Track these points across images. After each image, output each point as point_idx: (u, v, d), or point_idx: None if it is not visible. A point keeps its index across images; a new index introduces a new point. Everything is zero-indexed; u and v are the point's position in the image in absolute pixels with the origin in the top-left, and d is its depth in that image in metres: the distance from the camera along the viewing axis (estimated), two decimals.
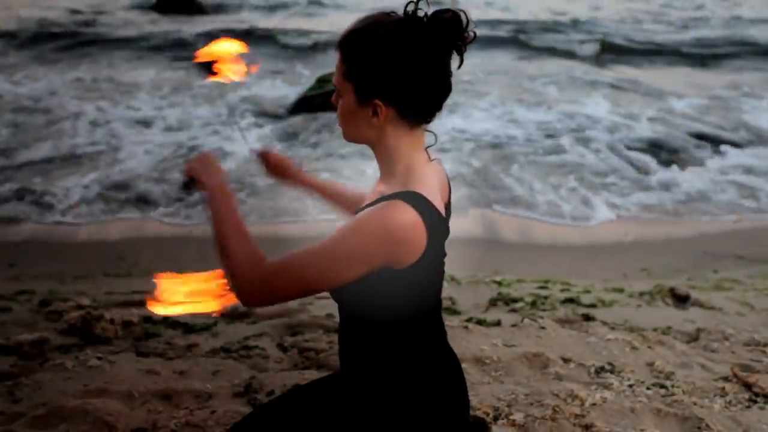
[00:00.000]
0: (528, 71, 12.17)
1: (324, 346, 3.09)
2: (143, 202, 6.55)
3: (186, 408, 2.42)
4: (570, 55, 13.59)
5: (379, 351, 1.43)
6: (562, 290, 4.47)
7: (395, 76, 1.32)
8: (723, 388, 2.70)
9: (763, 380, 2.73)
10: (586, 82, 11.52)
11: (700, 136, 8.84)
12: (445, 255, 1.45)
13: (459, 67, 1.37)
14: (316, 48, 13.49)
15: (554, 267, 5.39)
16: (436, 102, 1.37)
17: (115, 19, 16.14)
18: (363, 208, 1.36)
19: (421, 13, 1.34)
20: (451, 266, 1.50)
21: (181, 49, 12.72)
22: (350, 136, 1.44)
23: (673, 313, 4.05)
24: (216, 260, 1.35)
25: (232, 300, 1.39)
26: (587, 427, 2.28)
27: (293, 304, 3.85)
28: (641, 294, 4.42)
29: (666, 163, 7.99)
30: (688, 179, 7.54)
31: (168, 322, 3.62)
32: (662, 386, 2.66)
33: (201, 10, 16.87)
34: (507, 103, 10.09)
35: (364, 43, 1.34)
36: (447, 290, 4.27)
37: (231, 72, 1.67)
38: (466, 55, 1.37)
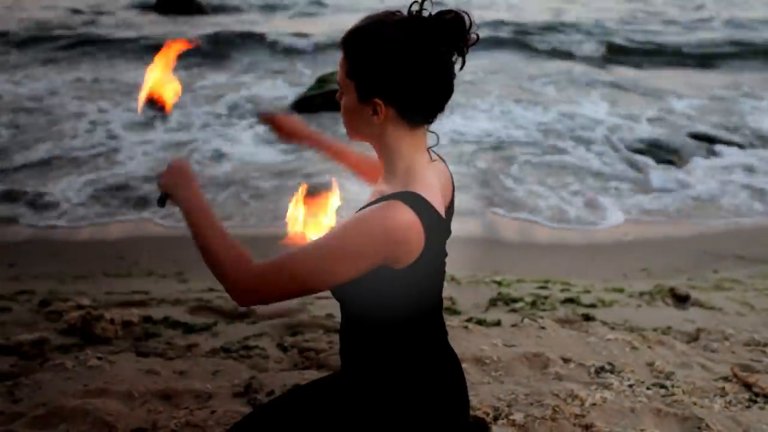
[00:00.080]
0: (529, 72, 12.17)
1: (324, 346, 3.09)
2: (142, 203, 6.54)
3: (186, 408, 2.42)
4: (570, 55, 13.59)
5: (380, 350, 1.43)
6: (562, 290, 4.48)
7: (395, 75, 1.32)
8: (723, 388, 2.70)
9: (763, 380, 2.73)
10: (587, 83, 11.51)
11: (701, 137, 8.85)
12: (446, 255, 1.45)
13: (461, 68, 1.37)
14: (316, 48, 13.49)
15: (554, 267, 5.39)
16: (437, 103, 1.37)
17: (116, 19, 16.14)
18: (363, 208, 1.36)
19: (426, 14, 1.34)
20: (451, 266, 1.50)
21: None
22: (352, 134, 1.45)
23: (673, 313, 4.05)
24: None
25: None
26: (587, 427, 2.28)
27: (293, 304, 3.85)
28: (641, 294, 4.42)
29: (666, 164, 7.99)
30: (688, 180, 7.55)
31: (168, 322, 3.63)
32: (662, 386, 2.66)
33: (201, 10, 16.87)
34: (508, 103, 10.09)
35: (366, 42, 1.34)
36: (447, 290, 4.27)
37: (168, 99, 1.65)
38: (467, 56, 1.37)
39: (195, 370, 2.78)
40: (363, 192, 1.58)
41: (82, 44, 13.41)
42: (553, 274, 5.08)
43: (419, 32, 1.32)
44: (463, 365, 1.88)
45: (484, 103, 10.02)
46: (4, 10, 16.29)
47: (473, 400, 2.33)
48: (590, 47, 14.17)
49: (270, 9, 17.80)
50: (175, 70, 1.59)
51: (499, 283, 4.62)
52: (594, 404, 2.42)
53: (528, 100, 10.36)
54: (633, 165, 7.95)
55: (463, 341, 2.99)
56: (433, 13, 1.34)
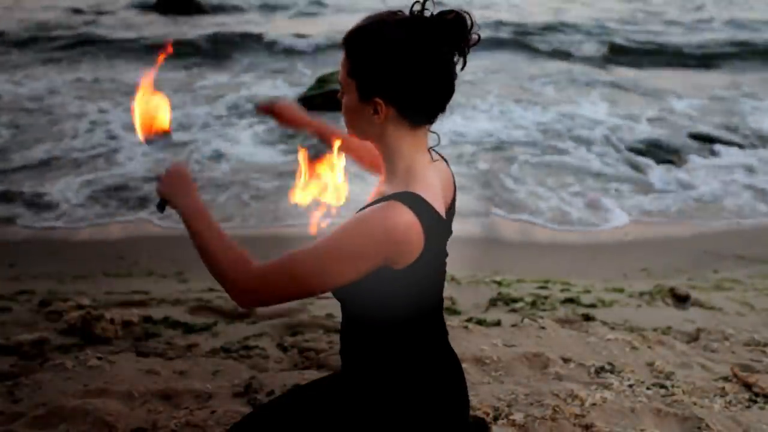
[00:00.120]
0: (529, 72, 12.17)
1: (324, 346, 3.09)
2: (142, 203, 6.53)
3: (186, 408, 2.42)
4: (571, 55, 13.58)
5: (380, 350, 1.43)
6: (562, 290, 4.48)
7: (396, 74, 1.32)
8: (723, 388, 2.70)
9: (763, 380, 2.73)
10: (587, 83, 11.51)
11: (701, 137, 8.84)
12: (446, 255, 1.45)
13: (462, 68, 1.37)
14: (316, 48, 13.49)
15: (554, 267, 5.39)
16: (437, 103, 1.37)
17: (116, 19, 16.14)
18: (363, 208, 1.37)
19: (428, 14, 1.35)
20: (451, 266, 1.51)
21: (181, 50, 12.73)
22: (354, 134, 1.45)
23: (673, 313, 4.05)
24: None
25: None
26: (587, 427, 2.28)
27: (293, 303, 3.85)
28: (641, 294, 4.42)
29: (666, 164, 7.99)
30: (688, 180, 7.55)
31: (168, 322, 3.63)
32: (662, 386, 2.66)
33: (201, 11, 16.86)
34: (507, 103, 10.09)
35: (367, 41, 1.34)
36: (447, 290, 4.24)
37: (162, 121, 1.68)
38: (468, 56, 1.37)
39: (195, 370, 2.78)
40: (363, 193, 1.58)
41: (82, 44, 13.41)
42: (553, 274, 5.08)
43: (421, 32, 1.32)
44: (463, 365, 1.89)
45: (484, 103, 10.02)
46: (4, 10, 16.29)
47: (473, 400, 2.33)
48: (590, 47, 14.17)
49: (270, 9, 17.78)
50: (161, 71, 1.60)
51: (499, 283, 4.62)
52: (594, 404, 2.42)
53: (528, 100, 10.36)
54: (633, 165, 7.95)
55: (463, 341, 2.98)
56: (434, 13, 1.34)
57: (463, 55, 1.36)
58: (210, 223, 1.38)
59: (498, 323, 3.45)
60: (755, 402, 2.60)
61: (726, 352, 3.24)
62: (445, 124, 8.31)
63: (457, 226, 1.52)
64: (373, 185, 1.55)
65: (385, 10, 1.38)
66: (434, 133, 1.45)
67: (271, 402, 1.64)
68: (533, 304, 4.08)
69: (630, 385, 2.64)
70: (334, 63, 11.57)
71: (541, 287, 4.54)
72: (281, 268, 1.30)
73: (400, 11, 1.36)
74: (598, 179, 7.48)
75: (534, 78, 11.74)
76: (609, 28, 15.78)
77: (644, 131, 9.03)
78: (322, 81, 9.67)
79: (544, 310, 3.95)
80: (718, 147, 8.54)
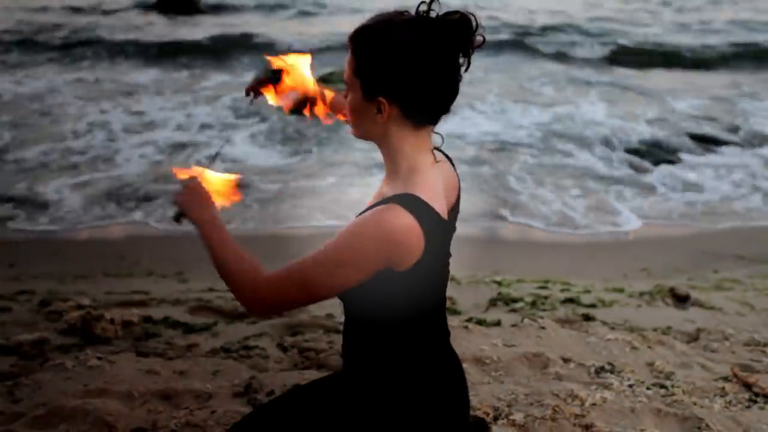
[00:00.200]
0: (529, 72, 12.17)
1: (324, 346, 3.09)
2: (141, 204, 6.52)
3: (186, 408, 2.42)
4: (571, 56, 13.58)
5: (382, 350, 1.44)
6: (562, 290, 4.48)
7: (400, 74, 1.32)
8: (723, 388, 2.70)
9: (763, 380, 2.73)
10: (587, 84, 11.51)
11: (701, 138, 8.85)
12: (449, 256, 1.45)
13: (466, 70, 1.38)
14: (316, 48, 13.48)
15: (554, 267, 5.39)
16: (441, 103, 1.38)
17: (116, 18, 16.14)
18: (364, 211, 1.37)
19: (434, 15, 1.35)
20: (451, 266, 1.51)
21: (181, 50, 12.73)
22: (357, 133, 1.45)
23: (673, 313, 4.05)
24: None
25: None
26: (587, 427, 2.28)
27: None
28: (641, 294, 4.42)
29: (667, 164, 7.99)
30: (689, 180, 7.55)
31: (168, 322, 3.63)
32: (662, 386, 2.66)
33: (201, 11, 16.87)
34: (507, 104, 10.09)
35: (373, 41, 1.34)
36: (447, 290, 4.26)
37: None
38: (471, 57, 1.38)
39: (195, 370, 2.78)
40: (363, 193, 1.58)
41: (82, 44, 13.41)
42: (553, 274, 5.08)
43: (426, 32, 1.32)
44: (463, 365, 1.89)
45: (485, 104, 10.02)
46: (3, 10, 16.29)
47: (473, 400, 2.33)
48: (590, 48, 14.18)
49: (270, 9, 17.78)
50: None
51: (499, 283, 4.62)
52: (594, 404, 2.42)
53: (528, 101, 10.36)
54: (633, 166, 7.95)
55: (463, 341, 2.98)
56: (439, 14, 1.34)
57: (468, 56, 1.37)
58: (224, 235, 1.42)
59: (498, 323, 3.45)
60: (755, 402, 2.60)
61: (726, 352, 3.24)
62: (446, 125, 8.27)
63: (458, 227, 1.52)
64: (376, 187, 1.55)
65: (392, 10, 1.38)
66: (438, 134, 1.45)
67: (271, 402, 1.64)
68: (533, 304, 4.08)
69: (630, 385, 2.64)
70: (333, 63, 11.57)
71: (541, 287, 4.55)
72: (287, 276, 1.33)
73: (407, 11, 1.36)
74: (598, 180, 7.48)
75: (534, 79, 11.74)
76: (609, 28, 15.78)
77: (644, 132, 9.04)
78: (321, 81, 9.66)
79: (544, 310, 3.95)
80: (718, 147, 8.55)
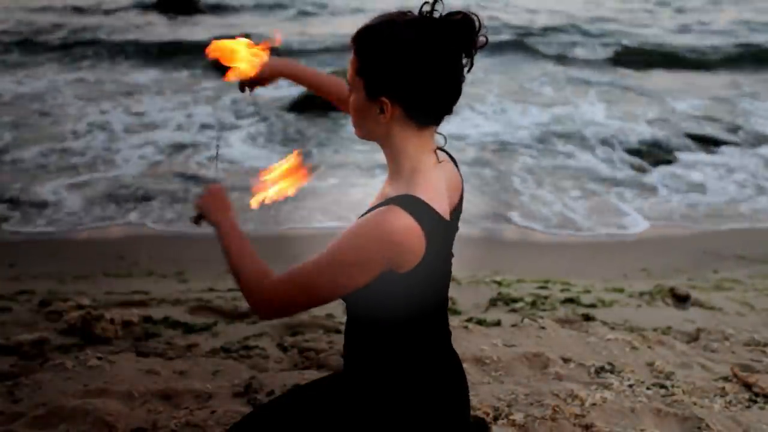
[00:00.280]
0: (529, 73, 12.17)
1: (324, 346, 3.09)
2: (141, 205, 6.52)
3: (186, 408, 2.42)
4: (571, 57, 13.58)
5: (383, 350, 1.44)
6: (562, 290, 4.48)
7: (402, 74, 1.32)
8: (723, 388, 2.70)
9: (763, 380, 2.73)
10: (587, 84, 11.51)
11: (701, 138, 8.85)
12: (451, 256, 1.46)
13: (468, 70, 1.38)
14: (316, 48, 13.48)
15: (554, 267, 5.39)
16: (444, 104, 1.37)
17: (116, 18, 16.14)
18: (366, 212, 1.37)
19: (437, 15, 1.35)
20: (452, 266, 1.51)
21: (181, 50, 12.72)
22: (360, 133, 1.45)
23: (673, 313, 4.05)
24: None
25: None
26: (587, 427, 2.28)
27: None
28: (641, 294, 4.42)
29: (667, 165, 7.99)
30: (689, 180, 7.55)
31: (168, 322, 3.63)
32: (662, 386, 2.66)
33: (201, 11, 16.87)
34: (507, 104, 10.09)
35: (376, 41, 1.34)
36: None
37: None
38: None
39: (195, 370, 2.78)
40: (364, 194, 1.58)
41: (82, 44, 13.40)
42: (553, 274, 5.08)
43: (429, 33, 1.32)
44: (464, 365, 1.89)
45: (485, 104, 10.02)
46: (4, 10, 16.29)
47: (473, 400, 2.33)
48: (591, 48, 14.17)
49: (269, 9, 17.78)
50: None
51: (499, 283, 4.62)
52: (594, 404, 2.42)
53: (528, 101, 10.36)
54: (633, 166, 7.95)
55: (463, 341, 2.99)
56: (442, 15, 1.34)
57: (471, 56, 1.37)
58: (240, 240, 1.48)
59: (498, 323, 3.45)
60: (755, 402, 2.60)
61: (726, 352, 3.24)
62: (446, 126, 8.26)
63: (459, 227, 1.52)
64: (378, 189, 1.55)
65: (395, 11, 1.38)
66: (440, 134, 1.45)
67: (271, 402, 1.64)
68: (533, 304, 4.08)
69: (630, 385, 2.64)
70: (333, 63, 11.57)
71: (541, 287, 4.55)
72: (291, 279, 1.35)
73: (410, 12, 1.36)
74: (598, 181, 7.48)
75: (534, 79, 11.74)
76: (609, 29, 15.78)
77: (645, 132, 9.04)
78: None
79: (544, 310, 3.95)
80: (718, 147, 8.55)
